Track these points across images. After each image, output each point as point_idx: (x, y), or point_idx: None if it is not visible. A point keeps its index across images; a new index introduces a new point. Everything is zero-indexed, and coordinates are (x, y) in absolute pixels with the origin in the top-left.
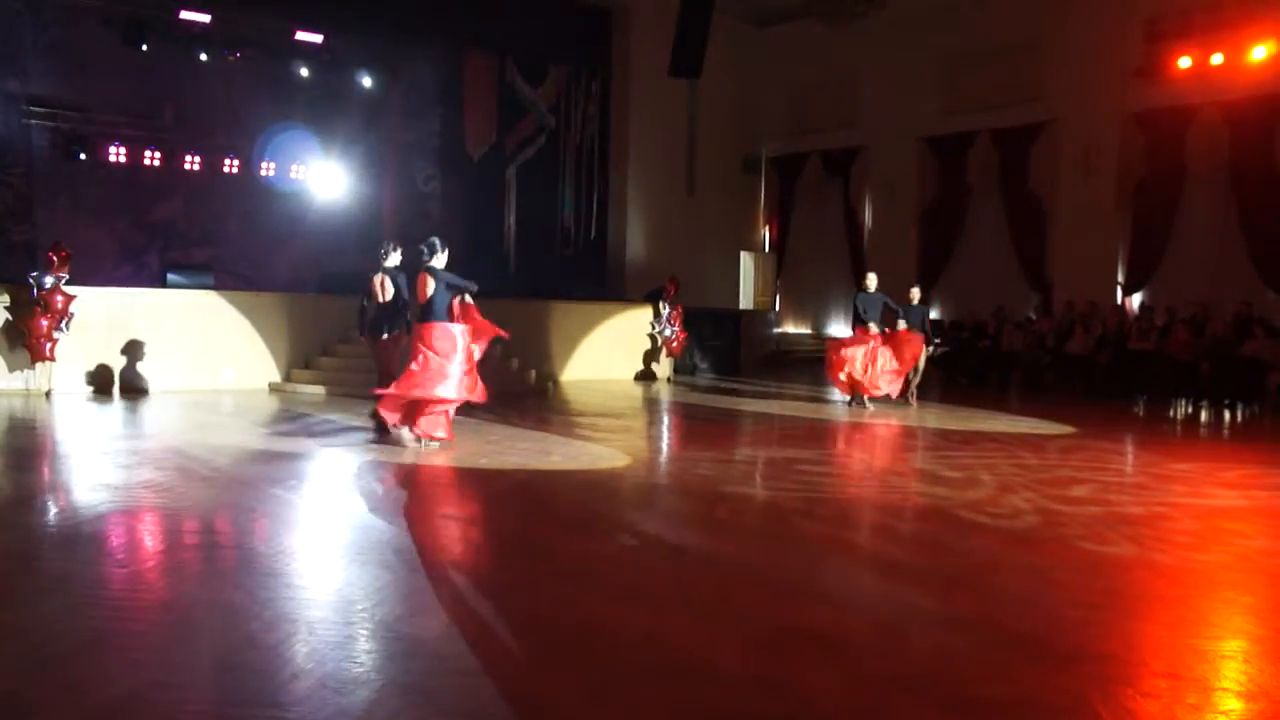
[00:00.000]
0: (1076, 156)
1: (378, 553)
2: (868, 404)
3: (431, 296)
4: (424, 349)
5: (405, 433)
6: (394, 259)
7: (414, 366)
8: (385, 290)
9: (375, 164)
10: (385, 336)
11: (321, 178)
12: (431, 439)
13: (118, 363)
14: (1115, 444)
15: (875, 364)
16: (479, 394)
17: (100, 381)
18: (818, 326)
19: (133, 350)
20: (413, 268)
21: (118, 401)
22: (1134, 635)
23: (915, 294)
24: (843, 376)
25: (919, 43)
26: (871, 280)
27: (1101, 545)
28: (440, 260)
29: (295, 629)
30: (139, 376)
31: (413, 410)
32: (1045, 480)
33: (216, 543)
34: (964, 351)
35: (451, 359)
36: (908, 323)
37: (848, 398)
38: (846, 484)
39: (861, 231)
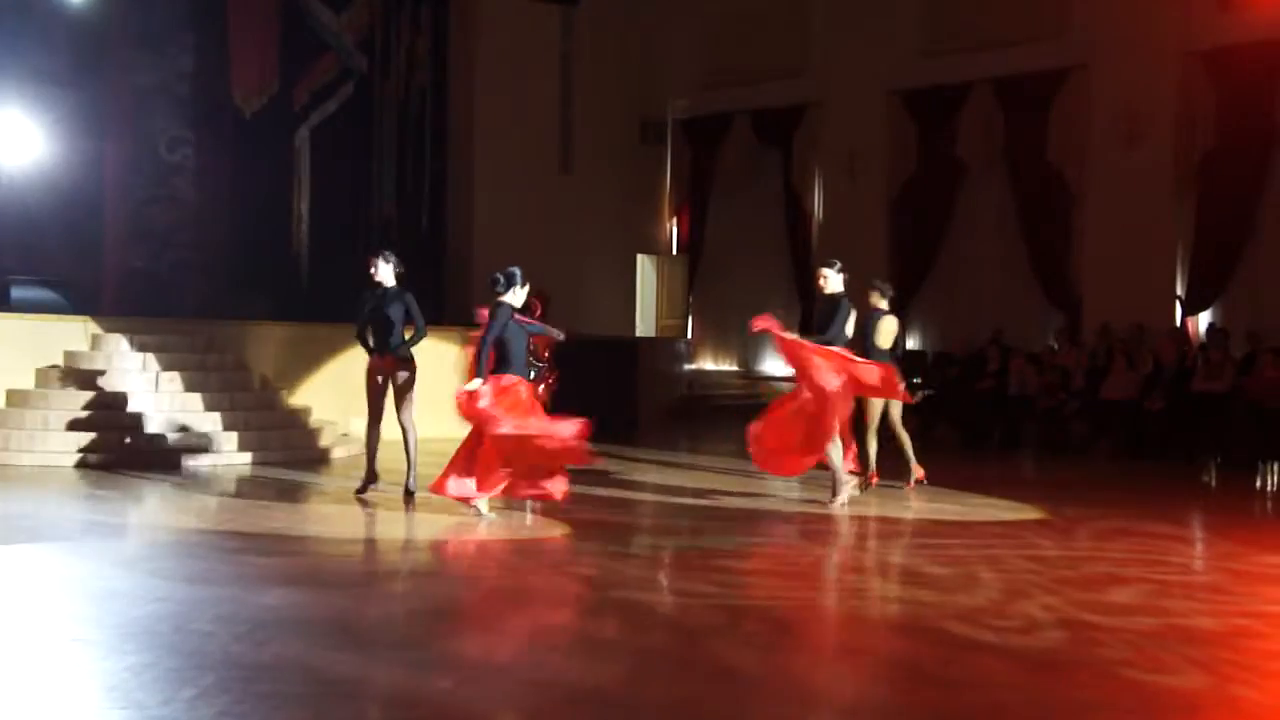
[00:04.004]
0: (1116, 116)
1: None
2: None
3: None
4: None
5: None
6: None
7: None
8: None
9: (92, 119)
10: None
11: (6, 138)
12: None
13: None
14: (1174, 526)
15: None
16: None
17: None
18: (748, 361)
19: None
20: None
21: None
22: None
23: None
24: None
25: None
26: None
27: (1157, 673)
28: (517, 297)
29: None
30: None
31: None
32: (1073, 579)
33: None
34: (953, 394)
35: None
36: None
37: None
38: (790, 588)
39: (809, 223)
